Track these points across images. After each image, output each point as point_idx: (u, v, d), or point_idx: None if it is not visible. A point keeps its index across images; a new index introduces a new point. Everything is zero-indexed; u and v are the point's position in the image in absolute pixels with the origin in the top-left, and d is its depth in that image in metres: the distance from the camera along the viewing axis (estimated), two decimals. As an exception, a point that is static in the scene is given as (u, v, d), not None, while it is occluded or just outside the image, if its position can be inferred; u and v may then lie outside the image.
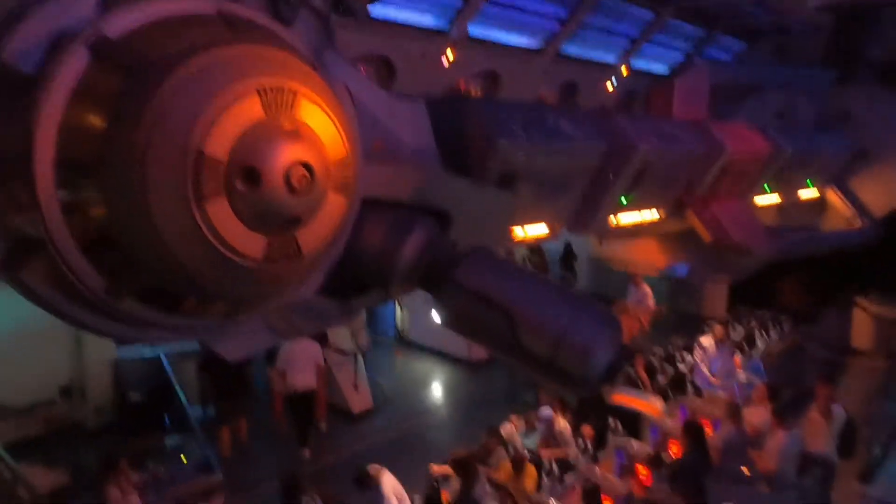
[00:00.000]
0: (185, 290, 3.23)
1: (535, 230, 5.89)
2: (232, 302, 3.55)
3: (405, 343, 13.84)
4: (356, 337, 11.21)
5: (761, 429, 7.09)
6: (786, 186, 11.78)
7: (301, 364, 9.01)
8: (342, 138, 3.28)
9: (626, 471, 7.18)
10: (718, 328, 9.59)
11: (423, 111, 4.68)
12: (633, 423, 9.16)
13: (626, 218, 7.10)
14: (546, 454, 8.19)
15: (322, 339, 9.91)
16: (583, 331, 4.00)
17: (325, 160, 3.13)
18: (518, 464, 7.50)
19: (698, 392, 9.34)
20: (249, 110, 2.89)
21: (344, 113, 3.37)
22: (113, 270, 3.16)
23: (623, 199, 6.70)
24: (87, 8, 3.01)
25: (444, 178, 4.69)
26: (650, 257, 16.57)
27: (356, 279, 4.55)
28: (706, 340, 9.74)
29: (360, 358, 11.01)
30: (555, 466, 7.81)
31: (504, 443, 8.18)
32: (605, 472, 6.80)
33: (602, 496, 6.54)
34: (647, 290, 12.16)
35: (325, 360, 9.84)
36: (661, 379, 10.90)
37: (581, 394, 4.05)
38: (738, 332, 12.67)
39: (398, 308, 13.93)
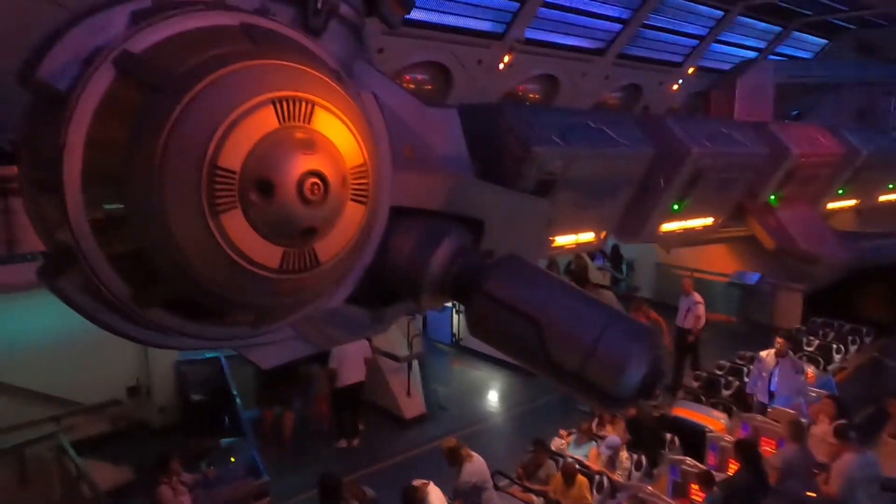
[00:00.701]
0: (206, 300, 3.30)
1: (579, 238, 5.74)
2: (255, 311, 3.60)
3: (462, 350, 13.78)
4: (412, 343, 11.26)
5: (829, 450, 6.64)
6: (864, 190, 11.05)
7: (352, 359, 9.56)
8: (360, 147, 3.26)
9: (680, 489, 6.88)
10: (780, 340, 9.05)
11: (455, 118, 4.61)
12: (695, 438, 8.81)
13: (679, 224, 6.84)
14: (597, 468, 7.97)
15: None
16: (614, 344, 3.83)
17: (340, 169, 3.12)
18: (569, 475, 7.32)
19: (763, 409, 8.85)
20: (263, 121, 2.92)
21: (364, 122, 3.36)
22: (139, 280, 3.26)
23: (676, 205, 6.45)
24: (119, 26, 3.13)
25: (476, 186, 4.61)
26: (719, 264, 16.00)
27: (387, 289, 4.53)
28: (765, 353, 9.22)
29: (415, 364, 11.04)
30: (606, 481, 7.58)
31: (553, 456, 8.01)
32: (656, 490, 6.53)
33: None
34: (699, 298, 11.53)
35: (378, 365, 10.20)
36: (726, 393, 10.46)
37: (614, 409, 3.89)
38: (812, 345, 12.00)
39: (455, 315, 13.89)
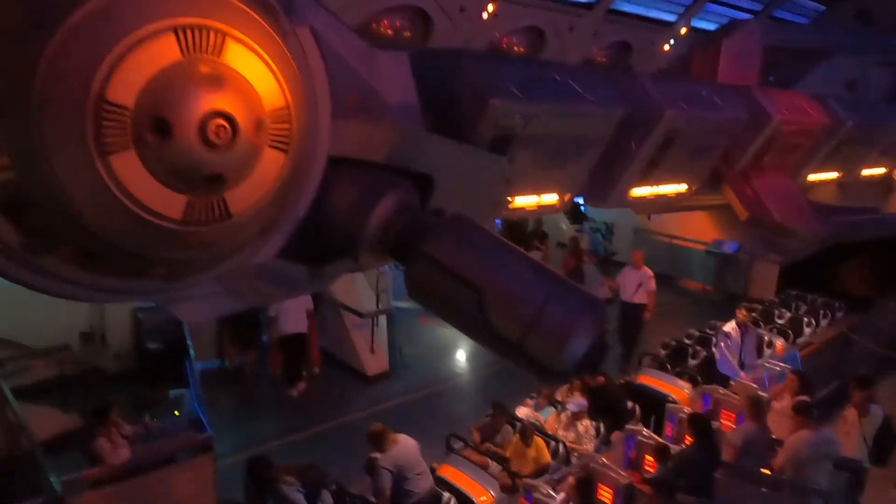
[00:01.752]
0: (106, 251, 2.99)
1: (542, 199, 5.45)
2: (164, 266, 3.30)
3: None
4: (379, 300, 11.03)
5: (789, 425, 6.53)
6: (848, 163, 10.79)
7: (291, 311, 9.48)
8: (282, 88, 2.92)
9: (635, 461, 6.78)
10: (742, 312, 8.88)
11: (405, 63, 4.25)
12: (658, 408, 8.70)
13: (650, 190, 6.56)
14: (559, 434, 7.86)
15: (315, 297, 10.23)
16: (558, 316, 3.58)
17: (254, 112, 2.79)
18: (526, 435, 7.19)
19: (726, 381, 8.75)
20: (163, 51, 2.56)
21: (291, 60, 3.01)
22: (31, 227, 2.96)
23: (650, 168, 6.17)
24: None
25: (426, 139, 4.29)
26: (699, 231, 15.79)
27: (326, 245, 4.25)
28: (728, 326, 9.07)
29: (380, 321, 10.83)
30: (562, 448, 7.47)
31: (511, 421, 7.87)
32: (608, 461, 6.41)
33: (599, 486, 6.16)
34: (650, 272, 11.08)
35: (341, 320, 10.08)
36: (693, 363, 10.37)
37: (553, 383, 3.65)
38: (784, 318, 11.91)
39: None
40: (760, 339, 10.16)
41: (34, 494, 5.47)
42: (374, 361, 10.45)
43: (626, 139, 5.68)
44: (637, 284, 10.79)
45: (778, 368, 8.78)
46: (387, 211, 4.02)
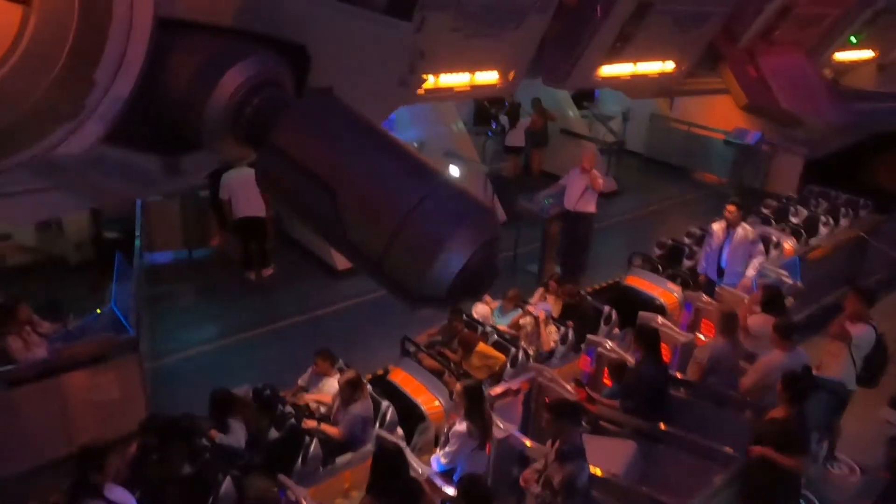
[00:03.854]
0: None
1: (476, 78, 4.53)
2: None
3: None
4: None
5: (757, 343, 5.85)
6: (886, 39, 9.27)
7: (242, 191, 8.86)
8: None
9: (592, 376, 6.21)
10: (731, 208, 7.87)
11: None
12: (647, 311, 8.04)
13: (626, 69, 5.54)
14: (519, 338, 7.31)
15: None
16: (428, 222, 2.82)
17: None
18: (465, 345, 6.68)
19: (712, 288, 7.98)
20: None
21: None
22: None
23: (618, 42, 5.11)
24: None
25: (296, -2, 3.37)
26: (723, 119, 14.44)
27: (168, 131, 3.50)
28: (716, 224, 8.14)
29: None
30: (522, 355, 6.93)
31: (469, 325, 7.32)
32: (556, 376, 5.84)
33: (546, 401, 5.62)
34: (599, 177, 9.14)
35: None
36: (688, 264, 9.58)
37: (419, 308, 2.92)
38: (800, 216, 10.89)
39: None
40: (767, 239, 9.25)
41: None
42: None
43: (589, 3, 4.64)
44: (583, 189, 9.07)
45: (773, 276, 7.96)
46: (234, 88, 3.20)
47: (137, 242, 7.79)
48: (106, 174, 3.61)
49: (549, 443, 4.49)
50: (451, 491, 4.60)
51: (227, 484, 5.07)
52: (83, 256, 9.30)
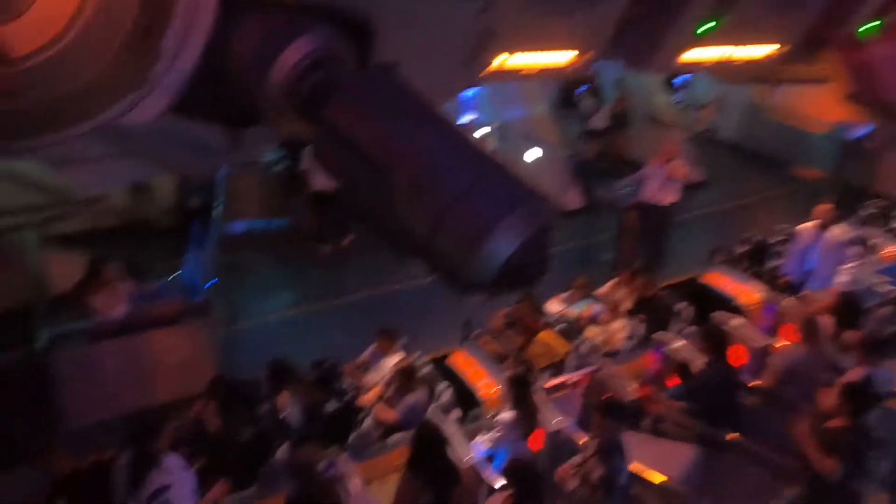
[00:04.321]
0: None
1: (548, 59, 4.34)
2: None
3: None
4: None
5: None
6: None
7: None
8: None
9: (658, 375, 5.92)
10: (824, 207, 7.30)
11: None
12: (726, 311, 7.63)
13: (715, 53, 5.17)
14: (587, 330, 7.10)
15: None
16: (477, 207, 2.72)
17: None
18: (529, 330, 6.56)
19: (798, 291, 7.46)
20: None
21: None
22: None
23: (707, 24, 4.77)
24: None
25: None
26: (827, 109, 13.44)
27: (230, 104, 3.52)
28: (807, 224, 7.56)
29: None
30: (585, 347, 6.72)
31: (537, 312, 7.16)
32: (618, 371, 5.61)
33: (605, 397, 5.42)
34: (681, 168, 8.74)
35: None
36: (775, 264, 9.01)
37: (467, 295, 2.84)
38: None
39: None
40: (863, 242, 8.55)
41: (17, 346, 5.55)
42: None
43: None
44: (663, 179, 8.67)
45: (875, 279, 7.37)
46: (294, 62, 3.19)
47: (216, 211, 8.05)
48: (171, 144, 3.70)
49: (591, 439, 4.35)
50: (493, 477, 4.53)
51: (283, 451, 5.20)
52: (169, 222, 9.72)
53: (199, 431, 5.35)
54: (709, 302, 8.43)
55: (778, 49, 5.61)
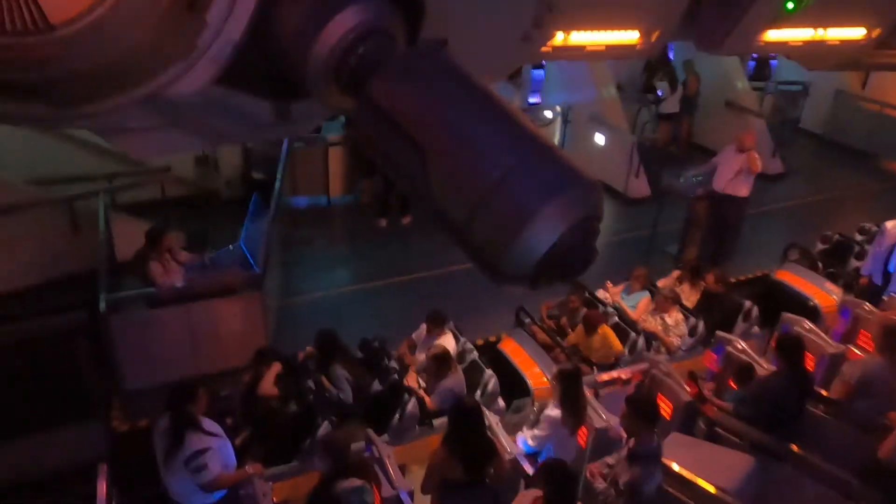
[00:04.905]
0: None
1: (611, 38, 4.08)
2: (36, 86, 2.75)
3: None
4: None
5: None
6: None
7: None
8: None
9: (719, 376, 5.61)
10: None
11: None
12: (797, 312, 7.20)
13: (802, 34, 4.77)
14: (643, 324, 6.83)
15: None
16: (519, 192, 2.54)
17: None
18: (589, 325, 6.34)
19: (878, 294, 6.94)
20: None
21: None
22: None
23: (791, 2, 4.39)
24: None
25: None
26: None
27: (275, 76, 3.44)
28: (893, 223, 6.99)
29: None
30: (642, 342, 6.46)
31: (591, 302, 6.94)
32: (673, 370, 5.33)
33: (660, 397, 5.18)
34: (757, 159, 8.23)
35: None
36: (855, 264, 8.43)
37: (506, 285, 2.64)
38: None
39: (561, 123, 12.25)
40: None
41: (74, 308, 5.75)
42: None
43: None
44: (737, 170, 8.21)
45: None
46: (340, 34, 3.06)
47: (277, 185, 8.13)
48: (219, 116, 3.66)
49: (625, 439, 4.16)
50: (530, 472, 4.40)
51: (324, 428, 5.21)
52: (233, 193, 9.93)
53: (247, 402, 5.43)
54: (781, 300, 7.99)
55: (868, 33, 5.13)
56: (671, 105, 12.42)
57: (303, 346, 6.13)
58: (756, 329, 7.11)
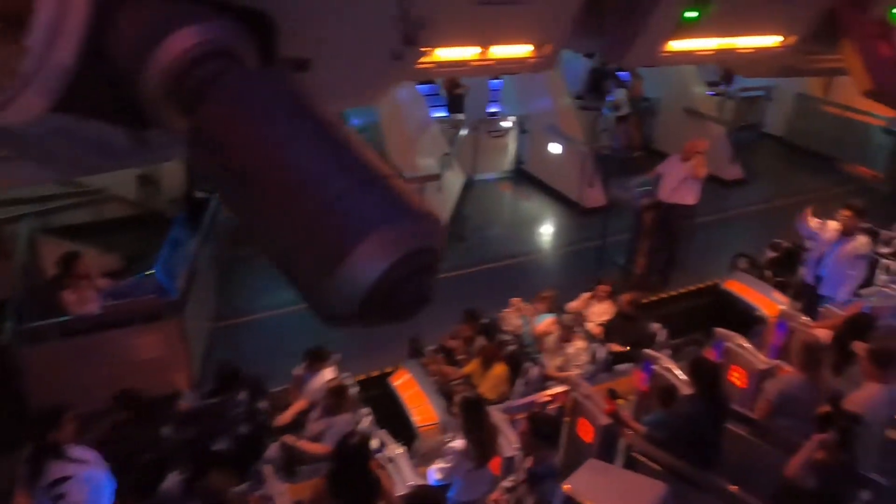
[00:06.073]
0: None
1: (492, 52, 3.90)
2: None
3: (521, 175, 12.19)
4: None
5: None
6: None
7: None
8: None
9: (644, 397, 5.42)
10: (846, 213, 6.58)
11: None
12: (743, 325, 7.05)
13: (709, 43, 4.62)
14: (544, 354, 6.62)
15: None
16: (342, 223, 2.34)
17: None
18: (487, 359, 6.16)
19: (814, 301, 6.82)
20: None
21: None
22: None
23: (691, 11, 4.24)
24: None
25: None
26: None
27: (116, 101, 3.26)
28: (832, 224, 6.81)
29: (446, 185, 9.83)
30: (537, 371, 6.27)
31: (487, 331, 6.71)
32: (596, 392, 5.14)
33: (581, 421, 4.98)
34: (702, 166, 8.02)
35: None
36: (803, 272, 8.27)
37: (337, 324, 2.43)
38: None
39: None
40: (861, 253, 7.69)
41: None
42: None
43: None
44: (682, 178, 8.01)
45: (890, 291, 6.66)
46: (175, 54, 2.89)
47: (213, 204, 7.93)
48: (71, 145, 3.49)
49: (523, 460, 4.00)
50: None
51: (272, 450, 5.17)
52: (177, 212, 9.71)
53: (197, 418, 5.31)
54: (729, 311, 7.87)
55: (784, 41, 5.01)
56: (622, 108, 12.33)
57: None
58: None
